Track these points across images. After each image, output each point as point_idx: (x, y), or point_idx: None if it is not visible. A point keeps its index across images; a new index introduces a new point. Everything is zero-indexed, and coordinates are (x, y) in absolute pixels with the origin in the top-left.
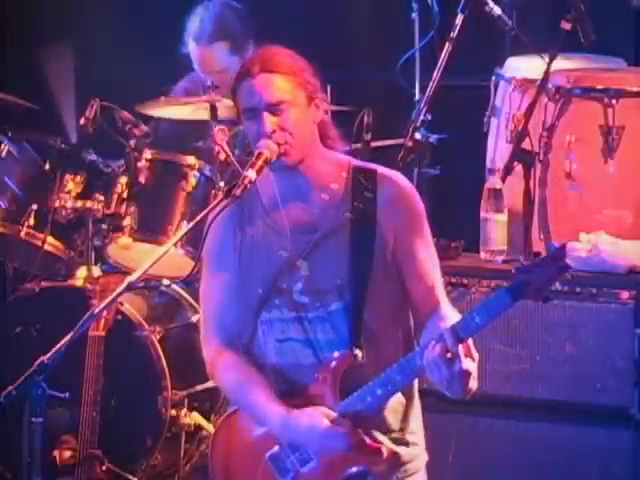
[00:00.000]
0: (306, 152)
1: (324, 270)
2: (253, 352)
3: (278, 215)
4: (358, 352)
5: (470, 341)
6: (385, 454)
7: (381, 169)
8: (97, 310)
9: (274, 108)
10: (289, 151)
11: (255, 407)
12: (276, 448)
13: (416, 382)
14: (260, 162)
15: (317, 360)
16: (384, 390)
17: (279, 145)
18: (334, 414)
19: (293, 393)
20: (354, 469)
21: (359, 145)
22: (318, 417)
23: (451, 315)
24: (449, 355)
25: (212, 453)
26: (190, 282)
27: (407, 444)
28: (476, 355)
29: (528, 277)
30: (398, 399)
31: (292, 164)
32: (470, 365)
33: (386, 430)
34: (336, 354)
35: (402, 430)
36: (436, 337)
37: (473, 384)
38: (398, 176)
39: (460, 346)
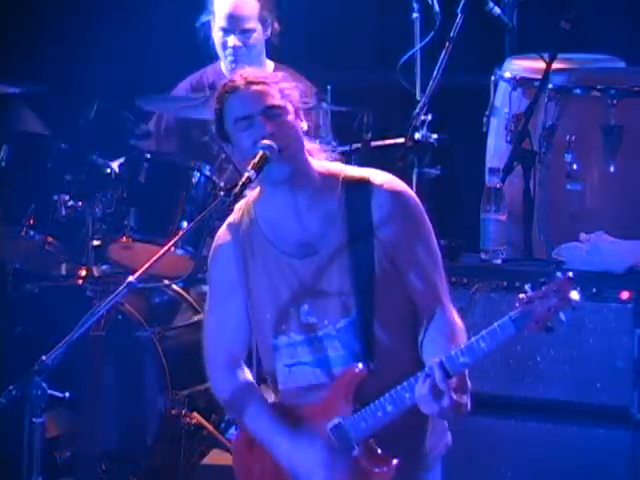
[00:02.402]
0: (299, 162)
1: (328, 289)
2: (273, 378)
3: (278, 241)
4: (370, 364)
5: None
6: (392, 473)
7: (374, 177)
8: (98, 310)
9: (270, 112)
10: (288, 154)
11: (264, 434)
12: None
13: None
14: (261, 162)
15: (329, 378)
16: (394, 407)
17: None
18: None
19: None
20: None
21: (359, 145)
22: (319, 452)
23: (450, 322)
24: (438, 390)
25: (234, 457)
26: (190, 282)
27: (427, 467)
28: (469, 384)
29: (527, 308)
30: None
31: (288, 175)
32: (460, 398)
33: (407, 456)
34: (347, 368)
35: (423, 455)
36: (425, 371)
37: (466, 408)
38: (392, 183)
39: (448, 382)
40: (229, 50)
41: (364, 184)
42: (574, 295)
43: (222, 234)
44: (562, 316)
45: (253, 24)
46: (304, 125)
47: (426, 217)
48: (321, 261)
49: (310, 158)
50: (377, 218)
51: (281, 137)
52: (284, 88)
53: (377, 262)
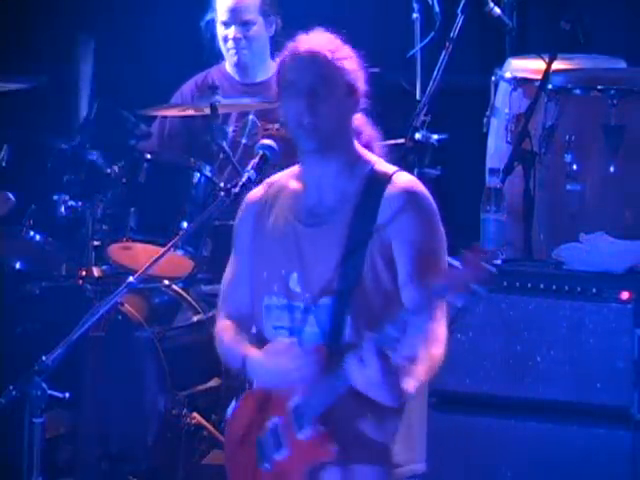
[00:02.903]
0: (330, 139)
1: (319, 264)
2: (261, 336)
3: (294, 205)
4: (333, 348)
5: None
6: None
7: (397, 175)
8: (98, 310)
9: (316, 86)
10: (319, 130)
11: (237, 352)
12: (265, 433)
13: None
14: (260, 162)
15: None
16: (340, 382)
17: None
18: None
19: None
20: (321, 459)
21: None
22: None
23: (429, 331)
24: (365, 362)
25: (226, 433)
26: (190, 282)
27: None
28: (407, 367)
29: (446, 280)
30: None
31: (313, 148)
32: (394, 379)
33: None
34: (314, 347)
35: (391, 465)
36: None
37: (402, 392)
38: (411, 183)
39: (376, 357)
40: (230, 42)
41: (385, 178)
42: (486, 267)
43: (255, 190)
44: (478, 289)
45: (253, 16)
46: (363, 103)
47: (439, 225)
48: (322, 235)
49: (355, 142)
50: (383, 213)
51: (317, 115)
52: (345, 66)
53: (369, 254)
